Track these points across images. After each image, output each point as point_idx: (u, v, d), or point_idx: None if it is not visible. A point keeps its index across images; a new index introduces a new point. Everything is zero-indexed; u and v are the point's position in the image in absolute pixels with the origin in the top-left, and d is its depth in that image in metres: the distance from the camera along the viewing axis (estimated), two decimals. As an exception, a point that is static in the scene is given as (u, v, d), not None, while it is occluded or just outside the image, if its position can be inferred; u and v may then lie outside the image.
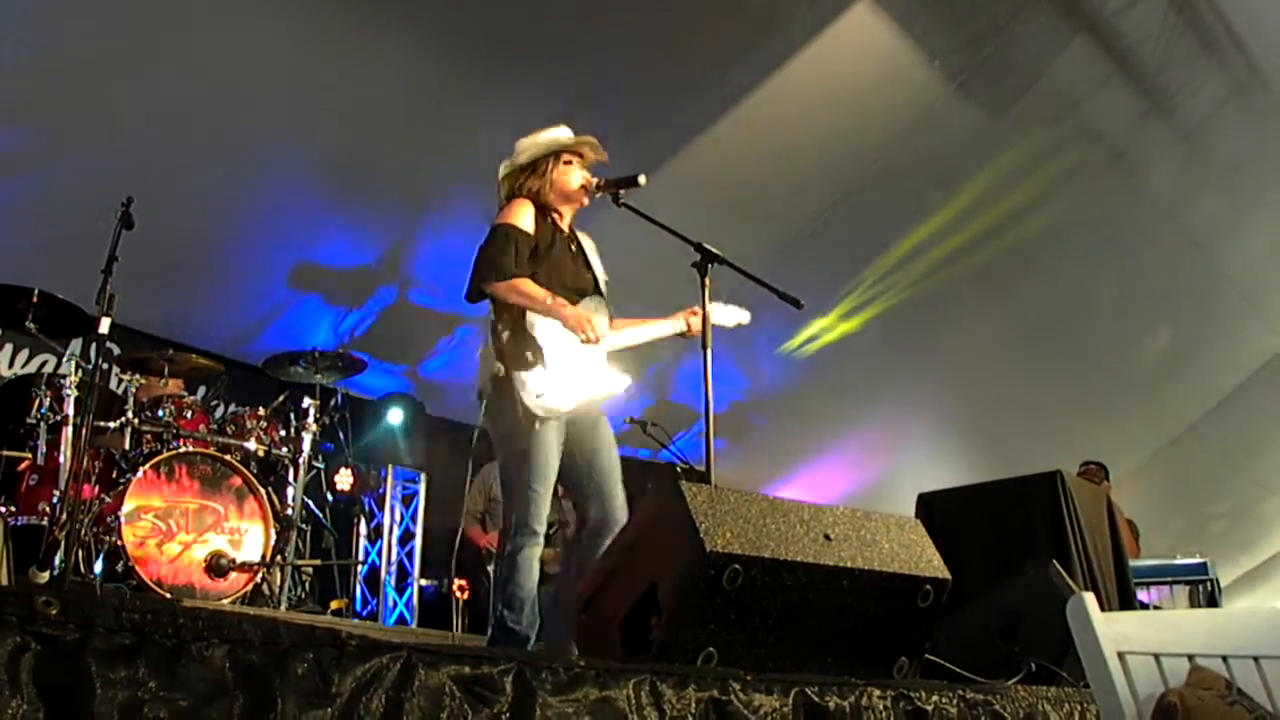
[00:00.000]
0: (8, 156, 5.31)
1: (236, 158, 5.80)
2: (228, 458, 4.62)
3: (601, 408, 3.39)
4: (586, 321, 3.17)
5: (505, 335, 3.20)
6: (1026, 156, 7.38)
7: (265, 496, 4.65)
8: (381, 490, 7.18)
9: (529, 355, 3.15)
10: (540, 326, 3.17)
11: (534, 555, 3.17)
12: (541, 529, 3.18)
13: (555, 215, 3.42)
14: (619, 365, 3.44)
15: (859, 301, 8.04)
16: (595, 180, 3.43)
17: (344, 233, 6.61)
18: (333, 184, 6.21)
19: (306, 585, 5.28)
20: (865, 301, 8.05)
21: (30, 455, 4.48)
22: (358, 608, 6.61)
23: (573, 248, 3.44)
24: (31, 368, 5.85)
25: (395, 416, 7.05)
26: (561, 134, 3.47)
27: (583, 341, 3.18)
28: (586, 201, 3.46)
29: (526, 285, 3.18)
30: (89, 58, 5.08)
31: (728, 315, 3.55)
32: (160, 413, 4.65)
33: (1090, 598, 1.56)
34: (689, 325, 3.47)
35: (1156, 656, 1.56)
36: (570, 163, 3.42)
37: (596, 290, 3.41)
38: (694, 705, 1.78)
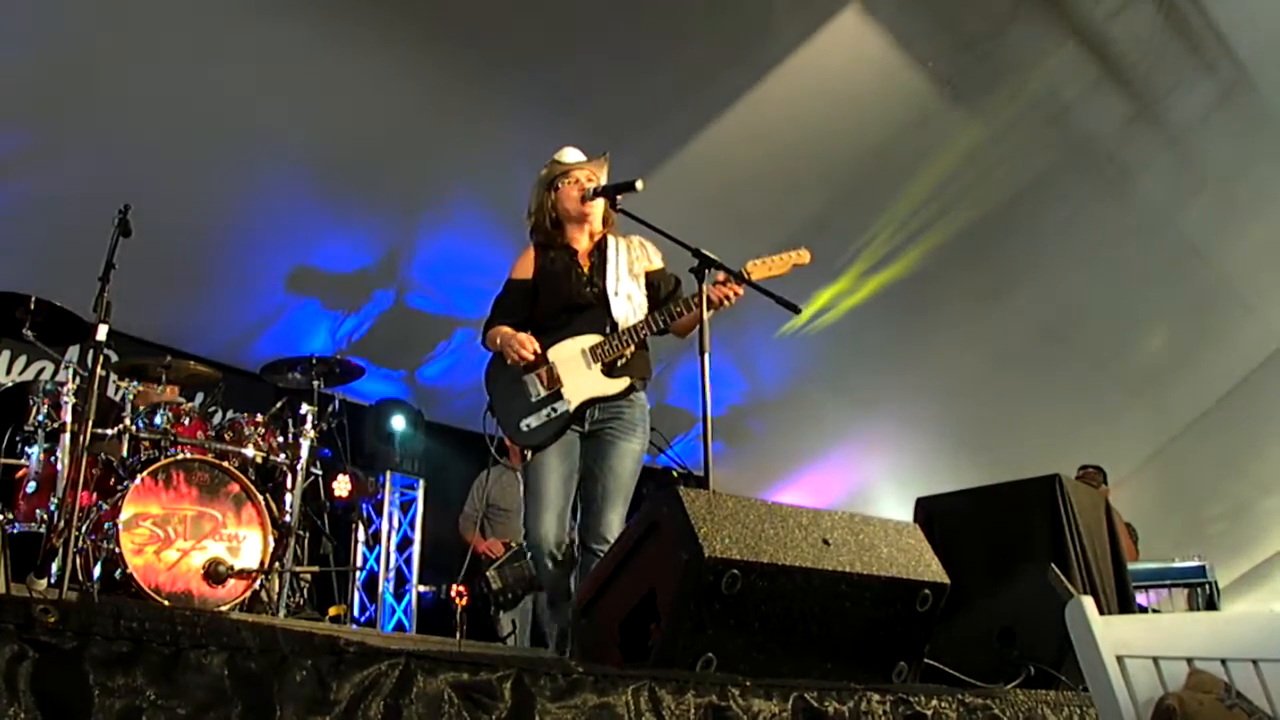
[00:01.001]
0: (4, 162, 5.31)
1: (233, 163, 5.80)
2: (226, 464, 4.61)
3: (634, 428, 3.40)
4: (508, 346, 3.38)
5: (493, 377, 3.50)
6: (1018, 159, 7.39)
7: (263, 503, 4.63)
8: (380, 496, 7.18)
9: (515, 391, 3.40)
10: (546, 356, 3.39)
11: (544, 562, 3.28)
12: (544, 540, 3.28)
13: (572, 241, 3.55)
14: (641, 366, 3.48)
15: (863, 268, 8.01)
16: (591, 186, 3.49)
17: (341, 237, 6.61)
18: (329, 187, 6.21)
19: (305, 592, 5.26)
20: (868, 269, 8.00)
21: (28, 462, 4.48)
22: (356, 614, 6.60)
23: (585, 265, 3.52)
24: (29, 375, 5.85)
25: (396, 423, 7.06)
26: (564, 156, 3.60)
27: (510, 363, 3.39)
28: (588, 209, 3.51)
29: (490, 334, 3.51)
30: (86, 62, 5.09)
31: (779, 265, 3.43)
32: (158, 420, 4.64)
33: (1089, 601, 1.56)
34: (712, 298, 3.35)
35: (1155, 660, 1.56)
36: (557, 188, 3.54)
37: (602, 303, 3.44)
38: (693, 711, 1.78)
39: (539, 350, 3.37)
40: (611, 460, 3.34)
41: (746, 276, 3.35)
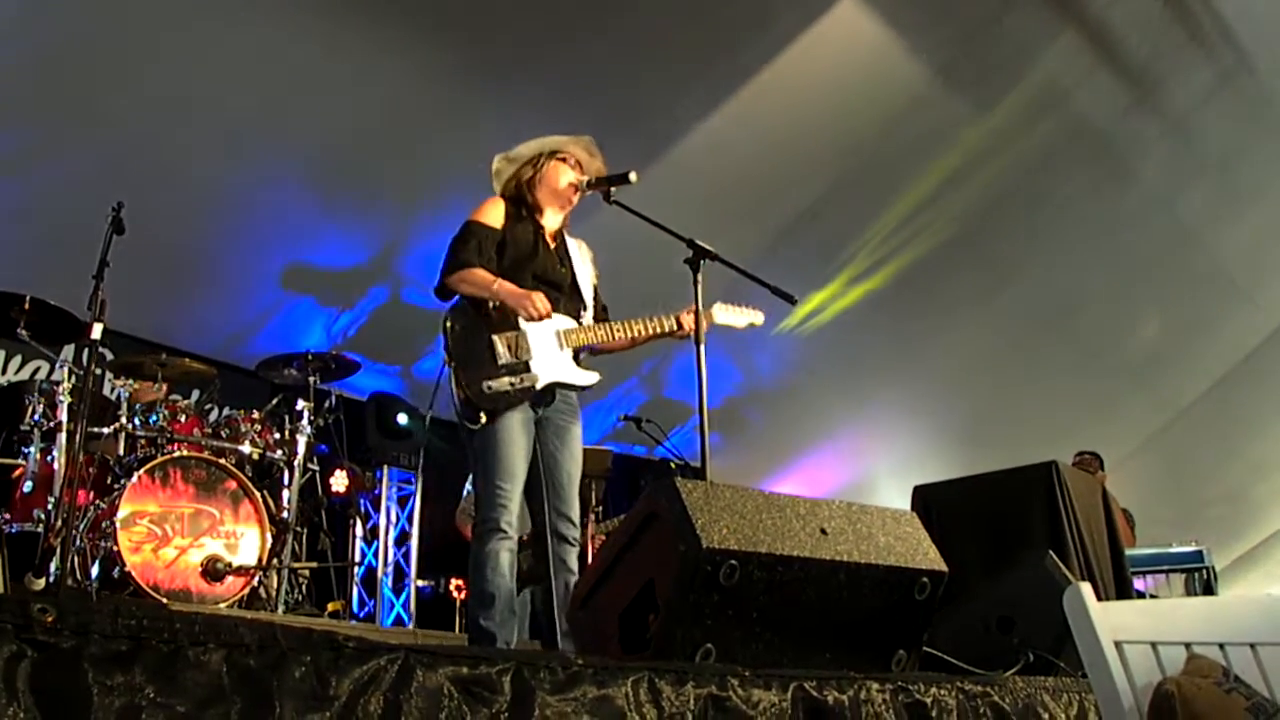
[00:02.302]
0: (-2, 161, 5.30)
1: (227, 160, 5.78)
2: (222, 461, 4.61)
3: (578, 412, 3.41)
4: (528, 299, 3.21)
5: (456, 328, 3.26)
6: (1016, 148, 7.39)
7: (261, 499, 4.63)
8: (377, 491, 7.17)
9: (479, 348, 3.21)
10: (517, 322, 3.27)
11: (500, 551, 3.14)
12: (509, 526, 3.15)
13: (537, 213, 3.47)
14: (603, 370, 3.47)
15: (859, 270, 8.01)
16: (585, 178, 3.46)
17: (336, 233, 6.60)
18: (324, 184, 6.20)
19: (303, 588, 5.26)
20: (864, 270, 8.00)
21: (24, 462, 4.47)
22: (355, 609, 6.60)
23: (552, 245, 3.48)
24: (24, 374, 5.85)
25: (393, 418, 7.06)
26: (584, 146, 3.55)
27: (525, 318, 3.22)
28: (574, 200, 3.49)
29: (474, 274, 3.24)
30: (80, 61, 5.06)
31: (739, 317, 3.58)
32: (154, 417, 4.63)
33: (1087, 588, 1.57)
34: (681, 323, 3.45)
35: (1154, 645, 1.56)
36: (565, 160, 3.48)
37: (573, 288, 3.44)
38: (692, 702, 1.78)
39: (551, 311, 3.27)
40: (570, 444, 3.35)
41: (740, 270, 3.38)
